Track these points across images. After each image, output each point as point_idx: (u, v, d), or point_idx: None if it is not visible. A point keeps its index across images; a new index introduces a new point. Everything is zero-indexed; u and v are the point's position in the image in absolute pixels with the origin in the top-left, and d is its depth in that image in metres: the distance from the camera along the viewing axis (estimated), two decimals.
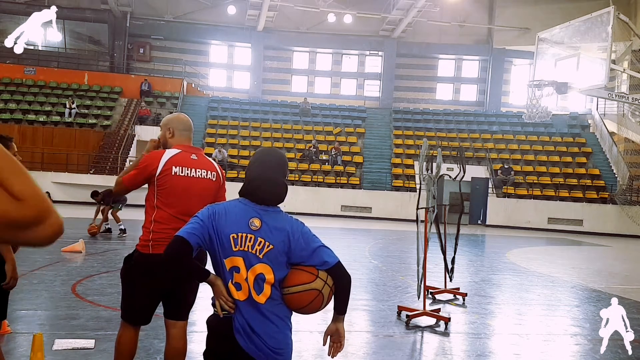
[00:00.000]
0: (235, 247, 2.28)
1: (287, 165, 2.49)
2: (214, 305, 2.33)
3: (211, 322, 2.38)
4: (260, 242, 2.28)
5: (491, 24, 31.99)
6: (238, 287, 2.27)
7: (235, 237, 2.28)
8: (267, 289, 2.28)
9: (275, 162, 2.42)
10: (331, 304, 2.41)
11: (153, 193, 3.36)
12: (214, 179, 3.42)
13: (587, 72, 12.50)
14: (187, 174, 3.34)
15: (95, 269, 8.37)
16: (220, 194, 3.50)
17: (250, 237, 2.28)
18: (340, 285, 2.35)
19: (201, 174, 3.38)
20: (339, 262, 2.36)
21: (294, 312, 2.40)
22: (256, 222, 2.30)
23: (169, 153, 3.39)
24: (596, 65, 12.24)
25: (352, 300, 8.10)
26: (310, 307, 2.33)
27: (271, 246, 2.28)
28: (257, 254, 2.27)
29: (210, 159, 3.53)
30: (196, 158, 3.42)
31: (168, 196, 3.32)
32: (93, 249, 10.21)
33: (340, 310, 2.38)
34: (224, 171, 3.60)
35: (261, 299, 2.27)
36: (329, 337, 2.41)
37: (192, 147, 3.50)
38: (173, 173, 3.31)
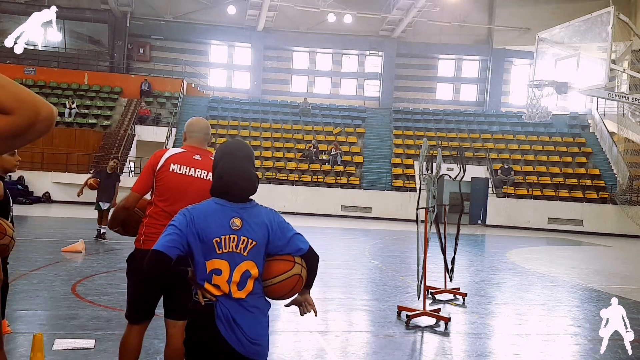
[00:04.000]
0: (219, 250, 2.28)
1: (253, 153, 2.50)
2: (195, 294, 2.34)
3: (192, 310, 2.38)
4: (244, 240, 2.30)
5: (491, 24, 31.99)
6: (217, 287, 2.29)
7: (219, 240, 2.28)
8: (249, 285, 2.32)
9: (243, 154, 2.43)
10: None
11: (152, 189, 3.42)
12: (209, 179, 3.41)
13: (587, 72, 12.49)
14: (185, 172, 3.38)
15: (95, 269, 8.36)
16: None
17: (234, 238, 2.29)
18: (311, 266, 2.45)
19: (200, 174, 3.39)
20: (311, 246, 2.45)
21: (276, 301, 2.46)
22: (237, 222, 2.31)
23: (172, 151, 3.45)
24: (596, 65, 12.23)
25: (352, 300, 8.11)
26: (293, 291, 2.43)
27: (254, 242, 2.32)
28: (242, 252, 2.30)
29: None
30: (199, 158, 3.43)
31: (163, 192, 3.38)
32: (93, 249, 10.20)
33: (308, 286, 2.48)
34: None
35: (242, 294, 2.30)
36: (297, 305, 2.51)
37: (200, 148, 3.50)
38: (170, 170, 3.37)
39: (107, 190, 11.37)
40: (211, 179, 3.36)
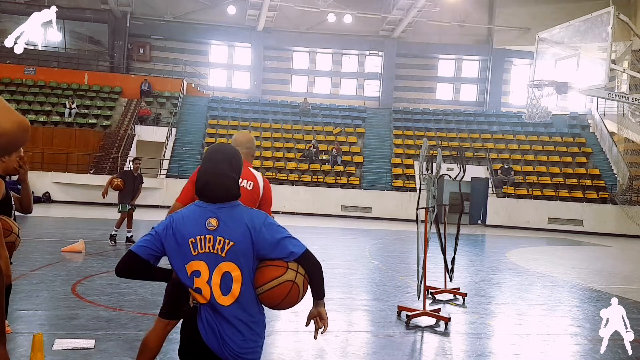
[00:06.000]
0: (195, 251, 2.26)
1: (237, 159, 2.44)
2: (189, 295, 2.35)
3: (183, 312, 2.39)
4: (220, 240, 2.25)
5: (491, 24, 31.99)
6: (199, 291, 2.26)
7: (194, 241, 2.26)
8: (235, 289, 2.24)
9: (222, 157, 2.40)
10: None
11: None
12: (249, 188, 3.44)
13: (587, 72, 12.50)
14: None
15: (95, 269, 8.36)
16: (262, 205, 3.54)
17: (209, 238, 2.26)
18: (312, 273, 2.33)
19: None
20: (307, 250, 2.32)
21: (273, 310, 2.38)
22: (213, 222, 2.28)
23: None
24: (596, 65, 12.24)
25: (352, 300, 8.08)
26: (288, 299, 2.30)
27: (232, 243, 2.25)
28: (220, 252, 2.25)
29: (256, 173, 3.57)
30: None
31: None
32: (93, 249, 10.20)
33: (318, 296, 2.37)
34: (269, 185, 3.60)
35: (227, 300, 2.24)
36: (312, 319, 2.41)
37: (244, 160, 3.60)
38: None
39: (132, 192, 11.07)
40: (247, 187, 3.42)
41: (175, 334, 3.40)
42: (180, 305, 3.37)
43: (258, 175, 3.58)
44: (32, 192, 16.14)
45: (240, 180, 3.35)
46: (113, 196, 11.32)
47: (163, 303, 3.54)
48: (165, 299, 3.53)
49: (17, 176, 3.81)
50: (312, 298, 2.40)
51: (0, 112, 1.10)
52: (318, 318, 2.38)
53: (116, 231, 11.02)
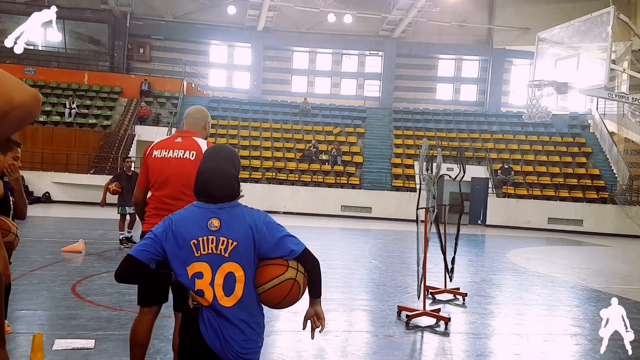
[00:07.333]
0: (198, 253, 2.24)
1: (237, 158, 2.44)
2: (189, 296, 2.34)
3: (184, 312, 2.38)
4: (223, 241, 2.24)
5: (491, 24, 32.00)
6: (201, 294, 2.24)
7: (196, 242, 2.24)
8: (238, 290, 2.23)
9: (223, 155, 2.39)
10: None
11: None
12: (192, 158, 3.45)
13: (587, 72, 12.50)
14: (165, 155, 3.53)
15: (95, 269, 8.37)
16: None
17: (212, 239, 2.24)
18: (311, 271, 2.34)
19: (177, 154, 3.49)
20: (306, 248, 2.33)
21: (273, 309, 2.37)
22: (215, 223, 2.26)
23: (158, 140, 3.68)
24: (596, 65, 12.24)
25: (352, 300, 8.08)
26: (289, 298, 2.30)
27: (235, 243, 2.24)
28: (223, 253, 2.23)
29: (200, 140, 3.58)
30: (180, 141, 3.55)
31: (151, 179, 3.56)
32: (93, 249, 10.20)
33: (316, 294, 2.37)
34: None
35: (229, 302, 2.23)
36: (308, 320, 2.40)
37: (186, 132, 3.63)
38: (153, 156, 3.56)
39: (131, 192, 10.35)
40: (188, 157, 3.45)
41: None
42: (152, 288, 3.39)
43: (203, 143, 3.55)
44: (32, 192, 16.05)
45: (183, 152, 3.44)
46: (112, 196, 11.27)
47: (138, 289, 3.49)
48: (139, 287, 3.49)
49: None
50: (308, 298, 2.39)
51: (14, 86, 1.12)
52: (315, 317, 2.38)
53: (122, 234, 10.77)
